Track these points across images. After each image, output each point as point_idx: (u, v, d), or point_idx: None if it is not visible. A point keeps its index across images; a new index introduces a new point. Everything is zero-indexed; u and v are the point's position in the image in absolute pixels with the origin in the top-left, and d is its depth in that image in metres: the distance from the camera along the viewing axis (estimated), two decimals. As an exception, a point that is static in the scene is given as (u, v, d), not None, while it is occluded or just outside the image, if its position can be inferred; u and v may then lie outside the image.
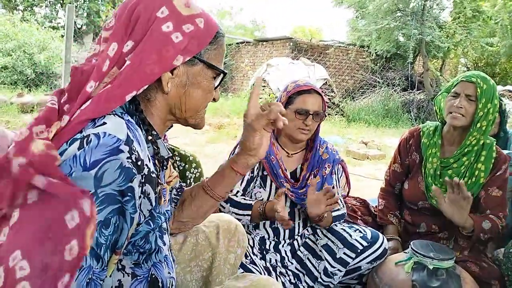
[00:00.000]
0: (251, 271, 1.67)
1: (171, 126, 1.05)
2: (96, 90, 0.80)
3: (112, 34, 0.85)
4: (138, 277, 0.87)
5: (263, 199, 1.85)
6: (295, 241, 1.92)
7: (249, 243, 1.86)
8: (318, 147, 1.93)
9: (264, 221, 1.87)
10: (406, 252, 1.74)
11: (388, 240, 1.96)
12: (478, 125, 1.84)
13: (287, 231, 1.90)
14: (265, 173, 1.86)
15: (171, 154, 0.96)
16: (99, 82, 0.81)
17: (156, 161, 0.92)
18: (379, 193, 2.22)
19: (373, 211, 2.24)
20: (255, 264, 1.75)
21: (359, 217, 2.17)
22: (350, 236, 1.82)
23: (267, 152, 1.83)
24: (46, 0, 16.60)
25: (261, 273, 1.71)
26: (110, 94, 0.79)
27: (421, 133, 2.07)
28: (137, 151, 0.76)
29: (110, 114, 0.79)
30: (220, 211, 1.77)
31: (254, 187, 1.88)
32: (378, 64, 13.23)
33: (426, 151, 2.00)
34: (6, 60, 10.75)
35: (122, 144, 0.74)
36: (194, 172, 1.87)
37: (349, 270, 1.81)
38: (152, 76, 0.83)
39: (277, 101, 1.90)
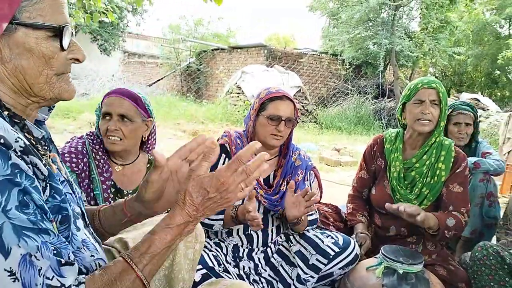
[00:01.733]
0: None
1: (51, 107, 0.94)
2: None
3: None
4: None
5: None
6: (269, 248, 1.92)
7: (222, 251, 1.85)
8: (291, 154, 1.94)
9: (237, 228, 1.86)
10: (377, 257, 1.77)
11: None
12: (439, 125, 1.94)
13: (260, 239, 1.89)
14: (238, 179, 1.86)
15: (43, 133, 0.87)
16: None
17: (33, 140, 0.83)
18: (347, 199, 2.27)
19: (344, 217, 2.28)
20: (228, 272, 1.74)
21: (331, 223, 2.19)
22: (322, 242, 1.83)
23: None
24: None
25: (233, 281, 1.70)
26: None
27: (384, 139, 2.15)
28: None
29: None
30: None
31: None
32: (350, 72, 13.48)
33: (390, 156, 2.07)
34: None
35: None
36: None
37: (321, 276, 1.82)
38: None
39: (251, 108, 1.90)
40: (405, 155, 2.06)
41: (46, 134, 0.91)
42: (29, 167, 0.73)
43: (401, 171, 2.02)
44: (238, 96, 11.10)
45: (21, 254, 0.66)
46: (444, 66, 15.14)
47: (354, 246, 1.84)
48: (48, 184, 0.78)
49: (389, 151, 2.09)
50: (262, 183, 1.88)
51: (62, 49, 0.81)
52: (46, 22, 0.78)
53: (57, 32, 0.79)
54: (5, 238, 0.65)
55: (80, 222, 0.88)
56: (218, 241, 1.88)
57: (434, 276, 1.75)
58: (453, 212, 1.88)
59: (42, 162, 0.77)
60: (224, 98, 11.61)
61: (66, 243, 0.75)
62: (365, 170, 2.21)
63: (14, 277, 0.65)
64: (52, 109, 0.96)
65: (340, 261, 1.81)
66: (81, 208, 0.93)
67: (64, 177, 0.90)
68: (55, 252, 0.71)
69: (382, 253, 1.72)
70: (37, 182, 0.74)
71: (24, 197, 0.69)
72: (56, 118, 7.49)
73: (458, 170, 1.94)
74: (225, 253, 1.86)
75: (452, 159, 1.94)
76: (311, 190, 1.99)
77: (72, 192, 0.91)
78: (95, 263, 0.86)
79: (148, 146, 1.87)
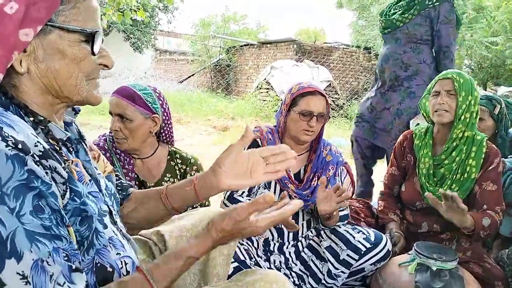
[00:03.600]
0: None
1: (77, 111, 0.97)
2: None
3: None
4: (83, 270, 0.80)
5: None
6: (299, 242, 1.94)
7: (253, 245, 1.88)
8: (322, 149, 1.95)
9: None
10: (409, 254, 1.75)
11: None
12: (462, 117, 1.88)
13: (291, 233, 1.91)
14: (269, 174, 1.88)
15: (68, 135, 0.88)
16: None
17: (56, 146, 0.84)
18: (378, 197, 2.24)
19: (375, 212, 2.26)
20: (260, 266, 1.77)
21: (362, 219, 2.18)
22: (353, 237, 1.83)
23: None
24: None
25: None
26: None
27: (413, 135, 2.11)
28: (11, 135, 0.70)
29: None
30: None
31: (259, 188, 1.89)
32: (382, 66, 13.21)
33: (419, 152, 2.04)
34: None
35: None
36: (194, 175, 1.88)
37: (352, 272, 1.82)
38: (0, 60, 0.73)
39: (282, 103, 1.91)
40: (435, 150, 2.02)
41: (72, 135, 0.93)
42: (47, 172, 0.74)
43: (430, 167, 1.98)
44: (267, 92, 11.10)
45: (33, 259, 0.67)
46: (481, 57, 14.59)
47: (386, 242, 1.83)
48: (68, 187, 0.79)
49: (419, 147, 2.05)
50: (293, 178, 1.89)
51: (92, 53, 0.84)
52: (80, 26, 0.81)
53: (89, 37, 0.83)
54: (17, 242, 0.66)
55: (107, 220, 0.90)
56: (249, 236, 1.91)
57: (469, 273, 1.72)
58: (487, 211, 1.83)
59: (61, 165, 0.78)
60: (253, 93, 11.64)
61: (77, 251, 0.76)
62: (395, 166, 2.17)
63: (26, 280, 0.66)
64: (78, 113, 1.00)
65: (372, 257, 1.80)
66: (108, 206, 0.94)
67: (89, 178, 0.92)
68: (66, 258, 0.72)
69: (415, 249, 1.70)
70: (55, 187, 0.75)
71: (39, 202, 0.70)
72: (93, 115, 7.72)
73: (490, 167, 1.87)
74: (256, 247, 1.88)
75: (483, 155, 1.88)
76: (342, 186, 2.00)
77: (98, 191, 0.93)
78: (121, 261, 0.88)
79: (163, 138, 1.89)
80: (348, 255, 1.80)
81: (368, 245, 1.80)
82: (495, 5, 13.01)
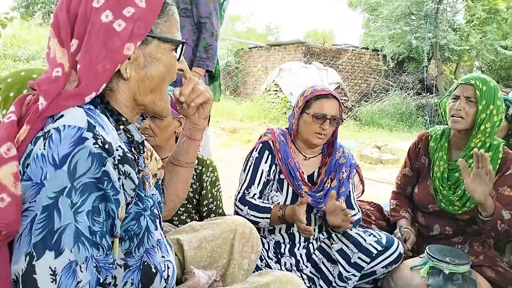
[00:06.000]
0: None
1: (144, 117, 1.02)
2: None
3: (55, 36, 0.81)
4: (131, 267, 0.85)
5: (279, 202, 1.87)
6: (310, 244, 1.94)
7: (264, 247, 1.88)
8: (335, 152, 1.95)
9: (280, 226, 1.89)
10: (421, 257, 1.75)
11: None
12: (482, 127, 1.83)
13: (302, 237, 1.91)
14: (282, 176, 1.89)
15: (144, 138, 0.95)
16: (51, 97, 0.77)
17: (133, 148, 0.90)
18: (391, 196, 2.24)
19: (387, 215, 2.25)
20: (270, 268, 1.77)
21: (373, 222, 2.18)
22: (365, 240, 1.82)
23: (284, 155, 1.86)
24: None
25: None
26: (68, 97, 0.77)
27: (429, 137, 2.09)
28: (101, 135, 0.75)
29: None
30: (237, 214, 1.80)
31: (271, 191, 1.90)
32: (391, 68, 13.16)
33: (434, 155, 2.02)
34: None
35: (85, 131, 0.73)
36: (210, 176, 1.90)
37: (364, 275, 1.81)
38: (106, 72, 0.80)
39: (294, 106, 1.92)
40: (450, 154, 1.99)
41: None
42: (119, 178, 0.78)
43: (444, 171, 1.96)
44: (276, 94, 11.10)
45: (69, 260, 0.68)
46: (491, 60, 14.46)
47: (398, 245, 1.82)
48: (136, 193, 0.84)
49: (434, 149, 2.03)
50: (306, 180, 1.90)
51: (178, 59, 0.95)
52: (173, 37, 0.91)
53: (178, 46, 0.93)
54: (63, 238, 0.68)
55: (158, 223, 0.95)
56: (260, 238, 1.92)
57: (482, 277, 1.71)
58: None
59: (135, 171, 0.83)
60: (262, 96, 11.65)
61: (112, 265, 0.78)
62: (409, 167, 2.16)
63: (54, 278, 0.67)
64: (145, 119, 1.07)
65: (383, 259, 1.79)
66: (157, 209, 0.98)
67: (154, 182, 1.00)
68: (96, 269, 0.73)
69: (427, 252, 1.69)
70: (122, 195, 0.78)
71: (99, 205, 0.73)
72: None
73: (507, 173, 1.84)
74: (267, 249, 1.89)
75: (499, 160, 1.85)
76: (355, 188, 2.00)
77: (155, 194, 0.99)
78: (164, 264, 0.92)
79: None
80: (359, 258, 1.80)
81: (379, 248, 1.79)
82: (506, 6, 12.91)
